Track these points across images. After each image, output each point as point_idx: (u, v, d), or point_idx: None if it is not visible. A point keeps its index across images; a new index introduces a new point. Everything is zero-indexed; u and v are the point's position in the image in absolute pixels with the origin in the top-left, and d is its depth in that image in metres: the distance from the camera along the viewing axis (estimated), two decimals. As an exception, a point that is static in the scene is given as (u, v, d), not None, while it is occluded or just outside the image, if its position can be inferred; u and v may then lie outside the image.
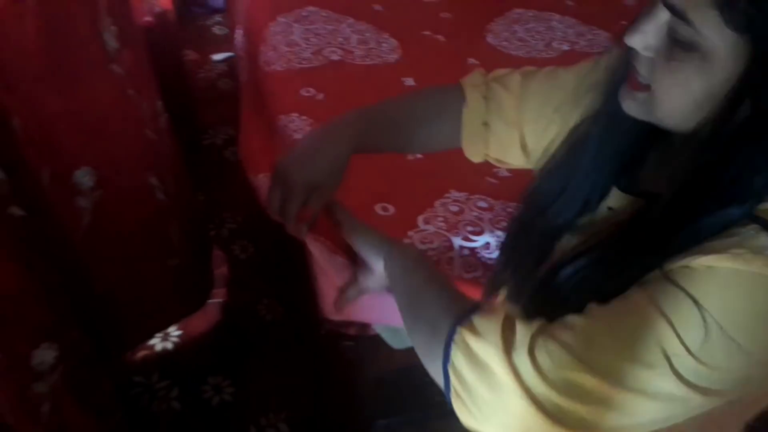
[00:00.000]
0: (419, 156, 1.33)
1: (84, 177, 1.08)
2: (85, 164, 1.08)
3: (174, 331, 1.70)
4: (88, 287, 1.23)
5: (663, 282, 0.52)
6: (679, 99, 0.53)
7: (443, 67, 1.70)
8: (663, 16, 0.51)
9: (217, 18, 3.09)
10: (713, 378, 0.50)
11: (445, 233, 1.12)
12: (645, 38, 0.52)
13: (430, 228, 1.13)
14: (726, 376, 0.50)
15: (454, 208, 1.18)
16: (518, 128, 0.78)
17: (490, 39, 1.86)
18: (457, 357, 0.57)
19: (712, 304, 0.49)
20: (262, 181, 1.40)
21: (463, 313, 0.59)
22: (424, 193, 1.22)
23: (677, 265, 0.52)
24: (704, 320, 0.49)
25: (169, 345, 1.67)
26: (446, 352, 0.58)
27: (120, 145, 1.15)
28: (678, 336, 0.49)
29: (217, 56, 2.80)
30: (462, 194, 1.22)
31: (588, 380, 0.51)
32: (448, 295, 0.65)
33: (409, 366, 1.27)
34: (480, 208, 1.19)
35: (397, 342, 1.14)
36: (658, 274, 0.53)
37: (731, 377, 0.51)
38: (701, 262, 0.50)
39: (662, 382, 0.50)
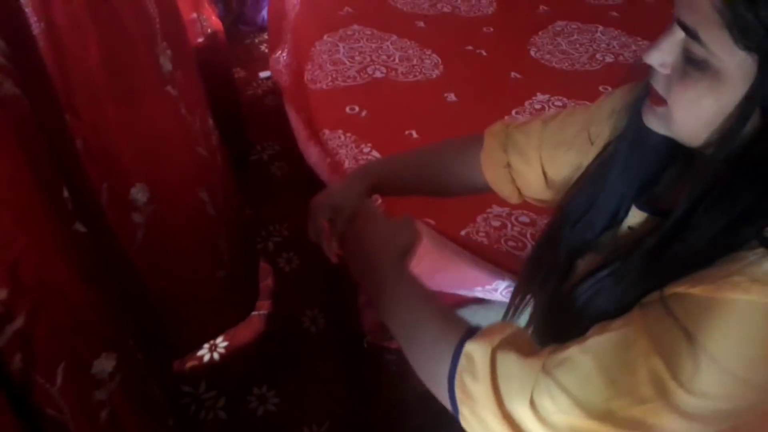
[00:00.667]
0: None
1: (138, 193, 1.14)
2: (140, 181, 1.13)
3: (221, 342, 1.74)
4: (141, 299, 1.29)
5: (659, 309, 0.52)
6: (692, 115, 0.54)
7: (486, 81, 1.71)
8: (678, 35, 0.53)
9: (264, 36, 3.17)
10: (711, 408, 0.50)
11: (488, 247, 1.13)
12: (661, 56, 0.54)
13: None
14: (724, 405, 0.50)
15: (496, 223, 1.19)
16: (538, 164, 0.81)
17: (533, 52, 1.86)
18: (460, 403, 0.59)
19: (706, 336, 0.49)
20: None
21: (455, 352, 0.59)
22: (466, 208, 1.23)
23: (677, 289, 0.52)
24: (695, 354, 0.49)
25: (216, 356, 1.71)
26: (451, 397, 0.60)
27: (173, 162, 1.20)
28: (669, 370, 0.50)
29: (264, 73, 2.87)
30: (504, 209, 1.23)
31: (589, 424, 0.52)
32: (439, 328, 0.64)
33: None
34: (522, 223, 1.19)
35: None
36: (657, 297, 0.53)
37: (730, 406, 0.50)
38: (700, 291, 0.50)
39: (659, 417, 0.51)
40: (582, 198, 0.73)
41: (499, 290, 1.08)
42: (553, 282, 0.73)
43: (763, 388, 0.50)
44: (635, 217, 0.68)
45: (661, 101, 0.57)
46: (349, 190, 0.83)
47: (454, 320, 0.64)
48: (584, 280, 0.64)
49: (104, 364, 1.01)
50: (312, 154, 1.43)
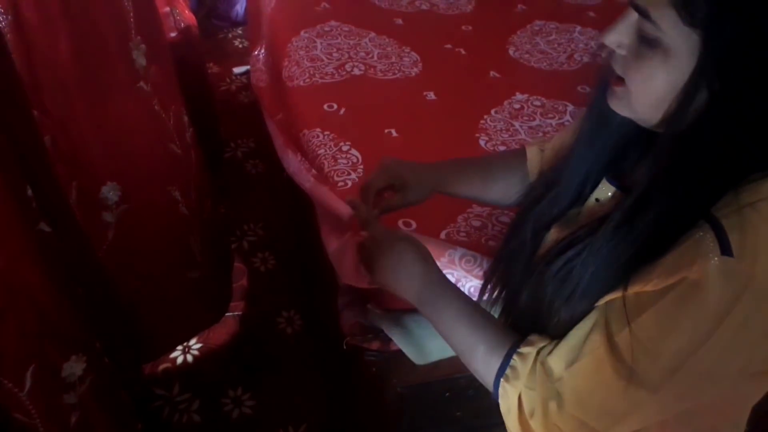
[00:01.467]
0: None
1: (110, 192, 1.10)
2: (111, 179, 1.10)
3: (194, 344, 1.70)
4: (110, 300, 1.25)
5: (619, 315, 0.58)
6: (646, 92, 0.58)
7: (465, 80, 1.70)
8: (632, 16, 0.57)
9: (238, 31, 3.12)
10: (677, 384, 0.57)
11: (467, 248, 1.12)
12: (618, 37, 0.58)
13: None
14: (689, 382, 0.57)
15: (477, 223, 1.18)
16: None
17: (511, 51, 1.85)
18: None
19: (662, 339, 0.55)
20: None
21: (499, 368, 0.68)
22: (447, 208, 1.22)
23: (635, 289, 0.57)
24: (656, 358, 0.56)
25: (189, 357, 1.68)
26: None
27: (145, 160, 1.17)
28: (634, 383, 0.57)
29: (238, 69, 2.83)
30: (484, 209, 1.22)
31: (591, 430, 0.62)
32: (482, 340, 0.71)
33: (430, 382, 1.27)
34: (502, 223, 1.18)
35: (419, 357, 1.13)
36: (619, 297, 0.58)
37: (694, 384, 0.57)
38: (651, 287, 0.56)
39: (640, 405, 0.58)
40: (550, 174, 0.77)
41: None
42: (522, 258, 0.76)
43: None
44: (604, 190, 0.71)
45: (620, 81, 0.60)
46: (420, 177, 0.90)
47: (498, 334, 0.71)
48: (555, 259, 0.66)
49: (74, 368, 0.98)
50: (290, 163, 1.39)
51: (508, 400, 0.67)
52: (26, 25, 0.90)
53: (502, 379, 0.67)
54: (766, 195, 0.52)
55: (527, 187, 0.85)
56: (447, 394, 1.31)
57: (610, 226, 0.60)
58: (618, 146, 0.70)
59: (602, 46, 0.60)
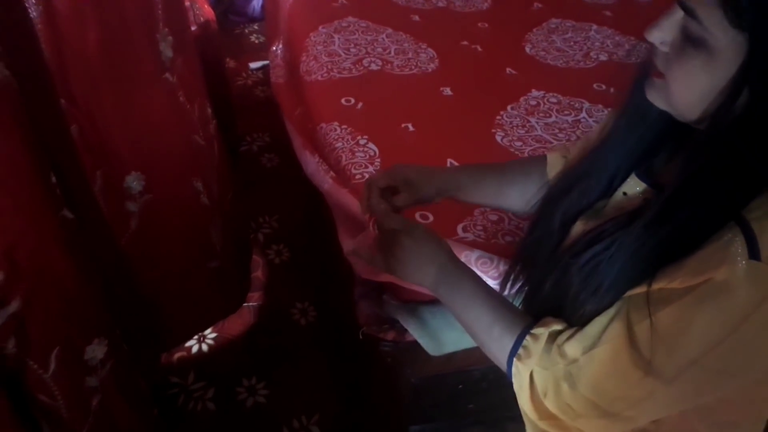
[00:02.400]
0: (458, 165, 1.34)
1: (134, 182, 1.12)
2: (136, 169, 1.12)
3: (210, 334, 1.73)
4: (130, 288, 1.27)
5: (641, 307, 0.59)
6: (687, 88, 0.58)
7: (481, 76, 1.71)
8: (677, 14, 0.57)
9: (255, 27, 3.15)
10: (693, 378, 0.58)
11: (484, 242, 1.13)
12: (661, 34, 0.58)
13: (469, 236, 1.14)
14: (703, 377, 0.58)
15: (494, 217, 1.19)
16: None
17: (528, 49, 1.86)
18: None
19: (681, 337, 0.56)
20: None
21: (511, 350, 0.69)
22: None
23: (659, 285, 0.58)
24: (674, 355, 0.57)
25: (204, 347, 1.70)
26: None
27: (169, 150, 1.19)
28: (650, 374, 0.58)
29: (254, 64, 2.85)
30: (501, 203, 1.23)
31: (604, 412, 0.63)
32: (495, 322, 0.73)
33: (445, 373, 1.28)
34: (519, 217, 1.19)
35: (434, 348, 1.14)
36: (642, 301, 0.59)
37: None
38: (678, 284, 0.56)
39: (654, 394, 0.60)
40: (581, 167, 0.77)
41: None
42: (548, 248, 0.76)
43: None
44: (632, 185, 0.71)
45: (660, 75, 0.60)
46: (433, 179, 0.89)
47: (512, 315, 0.73)
48: (582, 252, 0.67)
49: (96, 351, 1.00)
50: (308, 164, 1.41)
51: (520, 379, 0.68)
52: (57, 16, 0.92)
53: (514, 359, 0.68)
54: None
55: (555, 177, 0.85)
56: (460, 386, 1.32)
57: (641, 222, 0.61)
58: (651, 142, 0.70)
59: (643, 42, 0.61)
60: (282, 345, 1.73)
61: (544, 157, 0.94)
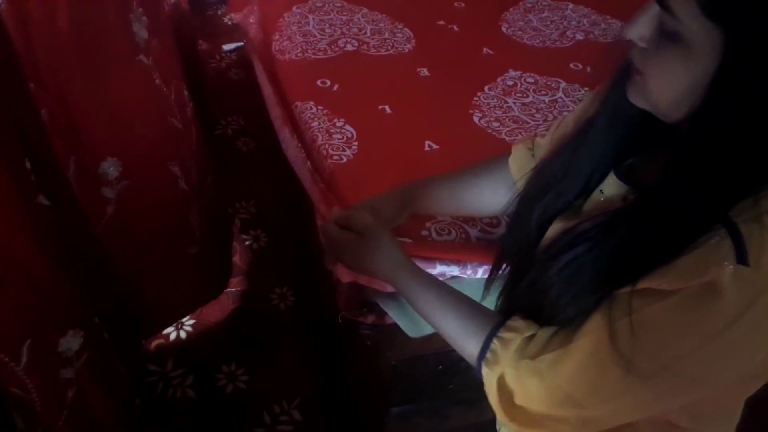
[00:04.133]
0: (436, 147, 1.34)
1: (110, 168, 1.09)
2: (112, 155, 1.09)
3: (188, 321, 1.71)
4: (109, 275, 1.25)
5: (624, 305, 0.57)
6: (666, 86, 0.56)
7: (458, 57, 1.70)
8: (654, 9, 0.55)
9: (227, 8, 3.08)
10: (672, 379, 0.57)
11: (462, 224, 1.12)
12: (639, 30, 0.56)
13: (447, 218, 1.13)
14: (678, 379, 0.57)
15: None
16: None
17: (504, 28, 1.85)
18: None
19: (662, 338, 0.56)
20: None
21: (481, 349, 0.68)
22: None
23: (646, 284, 0.56)
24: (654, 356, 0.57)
25: (182, 334, 1.68)
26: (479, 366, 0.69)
27: (146, 135, 1.16)
28: (631, 373, 0.57)
29: (228, 46, 2.80)
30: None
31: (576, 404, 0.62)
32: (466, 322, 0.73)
33: (424, 355, 1.28)
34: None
35: (413, 330, 1.14)
36: (625, 298, 0.57)
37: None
38: (663, 286, 0.55)
39: (631, 390, 0.59)
40: (557, 165, 0.75)
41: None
42: (525, 249, 0.75)
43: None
44: (611, 184, 0.70)
45: (639, 73, 0.58)
46: (389, 200, 0.92)
47: (478, 314, 0.73)
48: (561, 254, 0.65)
49: (71, 342, 0.98)
50: (289, 146, 1.38)
51: (489, 382, 0.67)
52: (24, -5, 0.88)
53: (483, 363, 0.68)
54: None
55: (530, 175, 0.82)
56: (440, 367, 1.33)
57: (624, 224, 0.59)
58: (630, 142, 0.68)
59: (621, 38, 0.59)
60: (261, 330, 1.72)
61: (507, 154, 0.92)
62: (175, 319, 1.65)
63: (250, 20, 1.93)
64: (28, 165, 0.85)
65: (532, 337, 0.66)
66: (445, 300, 0.75)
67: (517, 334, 0.66)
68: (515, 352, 0.65)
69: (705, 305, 0.52)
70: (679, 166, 0.56)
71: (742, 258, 0.51)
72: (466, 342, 0.71)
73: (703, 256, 0.52)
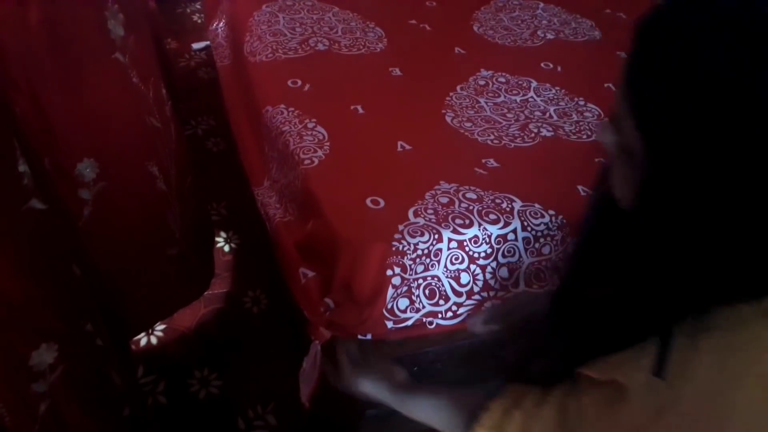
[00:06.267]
0: (409, 147, 1.33)
1: (86, 169, 1.05)
2: (88, 156, 1.05)
3: (158, 325, 1.68)
4: (89, 280, 1.21)
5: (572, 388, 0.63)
6: (619, 187, 0.59)
7: (430, 56, 1.69)
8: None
9: (197, 6, 3.04)
10: None
11: (435, 226, 1.12)
12: (606, 135, 0.59)
13: (420, 221, 1.13)
14: None
15: (444, 200, 1.18)
16: None
17: (476, 28, 1.85)
18: None
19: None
20: (263, 195, 1.42)
21: None
22: (415, 185, 1.22)
23: (586, 371, 0.61)
24: None
25: (153, 339, 1.65)
26: None
27: (124, 135, 1.12)
28: None
29: (197, 45, 2.75)
30: (452, 185, 1.22)
31: None
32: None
33: (398, 357, 1.27)
34: (469, 199, 1.19)
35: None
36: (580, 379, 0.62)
37: None
38: (595, 375, 0.60)
39: None
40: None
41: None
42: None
43: None
44: None
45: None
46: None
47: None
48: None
49: (44, 356, 0.94)
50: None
51: None
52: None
53: None
54: (724, 326, 0.52)
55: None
56: (415, 368, 1.32)
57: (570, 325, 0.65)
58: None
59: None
60: (234, 334, 1.69)
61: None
62: (156, 320, 1.62)
63: (220, 39, 1.92)
64: (21, 168, 0.82)
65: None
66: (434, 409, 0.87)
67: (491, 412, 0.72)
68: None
69: (616, 405, 0.56)
70: (623, 278, 0.60)
71: (658, 370, 0.52)
72: None
73: (627, 357, 0.56)
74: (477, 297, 1.17)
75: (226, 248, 1.91)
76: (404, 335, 1.16)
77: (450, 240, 1.12)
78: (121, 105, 1.13)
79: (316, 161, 1.26)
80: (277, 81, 1.51)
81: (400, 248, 1.08)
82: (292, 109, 1.41)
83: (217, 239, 1.93)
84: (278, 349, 1.66)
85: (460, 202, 1.18)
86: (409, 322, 1.15)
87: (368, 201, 1.16)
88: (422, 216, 1.14)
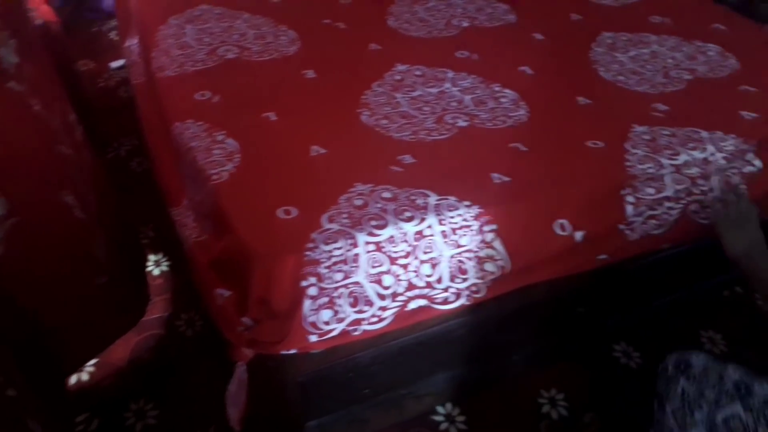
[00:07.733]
0: (323, 151, 1.29)
1: (-6, 207, 0.99)
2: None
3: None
4: (13, 320, 1.14)
5: None
6: None
7: (345, 55, 1.66)
8: None
9: (113, 23, 2.94)
10: None
11: (350, 230, 1.09)
12: None
13: (334, 227, 1.09)
14: None
15: (359, 202, 1.15)
16: None
17: (391, 22, 1.83)
18: None
19: None
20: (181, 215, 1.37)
21: None
22: (329, 189, 1.18)
23: None
24: None
25: (84, 376, 1.57)
26: None
27: (30, 167, 1.06)
28: None
29: (115, 63, 2.66)
30: (367, 186, 1.19)
31: None
32: None
33: (331, 365, 1.24)
34: (384, 198, 1.16)
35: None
36: None
37: None
38: None
39: None
40: None
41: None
42: None
43: None
44: None
45: None
46: None
47: None
48: None
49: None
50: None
51: None
52: None
53: None
54: None
55: None
56: (351, 374, 1.29)
57: None
58: None
59: None
60: (169, 360, 1.63)
61: None
62: (96, 352, 1.54)
63: (134, 56, 1.86)
64: None
65: None
66: None
67: None
68: None
69: None
70: None
71: None
72: None
73: None
74: (402, 298, 1.14)
75: (156, 271, 1.84)
76: (329, 346, 1.12)
77: (367, 243, 1.09)
78: (22, 136, 1.07)
79: (226, 175, 1.21)
80: (185, 95, 1.45)
81: (314, 257, 1.05)
82: (201, 122, 1.35)
83: (146, 263, 1.86)
84: (215, 371, 1.61)
85: (375, 202, 1.15)
86: (334, 333, 1.11)
87: (280, 212, 1.12)
88: (336, 221, 1.11)
